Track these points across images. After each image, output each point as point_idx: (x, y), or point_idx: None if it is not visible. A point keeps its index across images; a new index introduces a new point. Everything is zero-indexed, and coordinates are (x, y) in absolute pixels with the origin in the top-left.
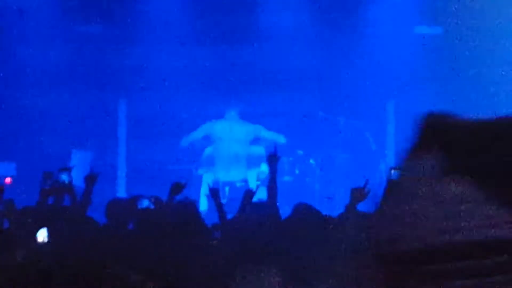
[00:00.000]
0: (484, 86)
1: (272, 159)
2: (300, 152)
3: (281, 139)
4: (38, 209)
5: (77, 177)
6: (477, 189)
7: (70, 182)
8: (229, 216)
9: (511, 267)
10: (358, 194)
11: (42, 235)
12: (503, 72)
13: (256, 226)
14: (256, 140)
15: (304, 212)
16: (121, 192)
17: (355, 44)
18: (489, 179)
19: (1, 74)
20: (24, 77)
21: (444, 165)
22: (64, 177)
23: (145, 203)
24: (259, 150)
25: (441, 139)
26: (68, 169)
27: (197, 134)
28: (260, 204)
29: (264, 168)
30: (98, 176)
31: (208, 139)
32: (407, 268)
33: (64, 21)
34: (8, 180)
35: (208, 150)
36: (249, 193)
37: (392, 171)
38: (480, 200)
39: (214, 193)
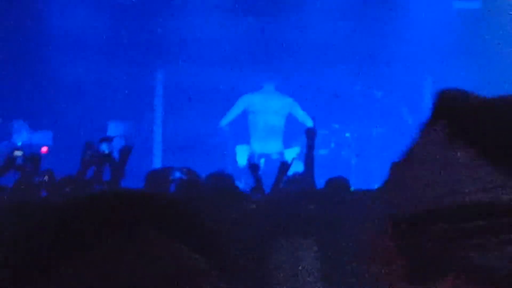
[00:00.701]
0: None
1: (310, 133)
2: (336, 125)
3: (309, 123)
4: (77, 179)
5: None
6: (483, 156)
7: (111, 153)
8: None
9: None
10: None
11: None
12: None
13: (293, 199)
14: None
15: (338, 186)
16: (157, 163)
17: (393, 18)
18: (492, 148)
19: (39, 44)
20: (62, 47)
21: (452, 134)
22: (104, 147)
23: (177, 174)
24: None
25: (453, 111)
26: (109, 139)
27: (235, 111)
28: (297, 177)
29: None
30: (132, 150)
31: (245, 113)
32: (418, 228)
33: None
34: (44, 149)
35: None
36: (285, 166)
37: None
38: (485, 165)
39: (253, 167)
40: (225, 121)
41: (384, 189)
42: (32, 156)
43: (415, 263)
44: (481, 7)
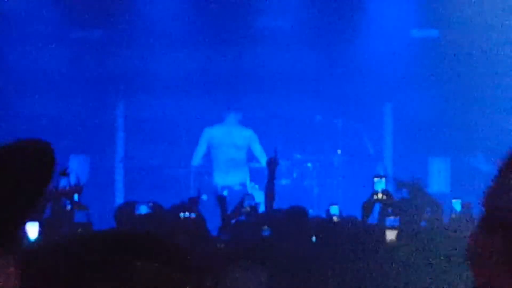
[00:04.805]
0: (480, 89)
1: (272, 164)
2: (298, 155)
3: (262, 161)
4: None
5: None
6: None
7: (71, 187)
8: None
9: None
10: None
11: (33, 230)
12: (499, 76)
13: (253, 229)
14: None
15: (297, 215)
16: (119, 196)
17: (352, 47)
18: None
19: None
20: (22, 82)
21: None
22: (63, 182)
23: (143, 208)
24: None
25: None
26: (67, 174)
27: (201, 147)
28: (257, 209)
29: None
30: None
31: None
32: None
33: (62, 26)
34: None
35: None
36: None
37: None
38: None
39: (221, 200)
40: (195, 160)
41: (490, 191)
42: None
43: None
44: (438, 36)
